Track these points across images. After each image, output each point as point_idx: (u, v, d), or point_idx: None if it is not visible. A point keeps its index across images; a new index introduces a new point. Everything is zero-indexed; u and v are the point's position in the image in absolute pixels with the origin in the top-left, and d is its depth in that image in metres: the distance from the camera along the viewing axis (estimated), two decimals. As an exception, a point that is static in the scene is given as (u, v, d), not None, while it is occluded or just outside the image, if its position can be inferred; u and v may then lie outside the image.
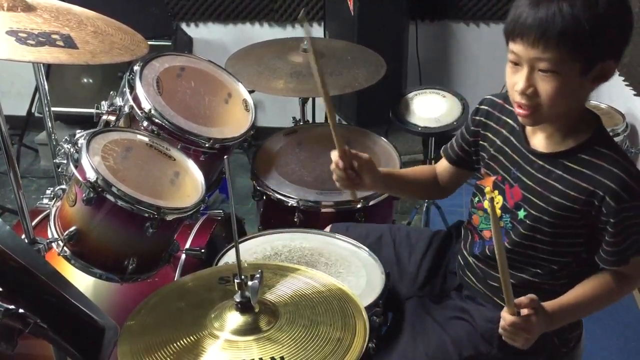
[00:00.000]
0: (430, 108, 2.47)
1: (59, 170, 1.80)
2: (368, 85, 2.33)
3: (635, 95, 2.72)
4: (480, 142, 1.57)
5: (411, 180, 1.73)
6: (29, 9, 1.36)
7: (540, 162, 1.42)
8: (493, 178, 1.52)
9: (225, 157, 1.32)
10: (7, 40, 1.25)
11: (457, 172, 1.69)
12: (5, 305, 0.98)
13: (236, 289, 1.24)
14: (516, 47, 1.29)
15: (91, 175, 1.58)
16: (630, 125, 2.79)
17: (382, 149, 2.32)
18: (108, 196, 1.59)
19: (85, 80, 3.61)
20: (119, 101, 1.95)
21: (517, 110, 1.36)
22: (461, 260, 1.64)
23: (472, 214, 1.60)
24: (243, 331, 1.22)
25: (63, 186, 1.77)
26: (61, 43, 1.26)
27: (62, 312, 1.07)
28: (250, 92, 2.14)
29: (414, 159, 3.06)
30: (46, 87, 1.95)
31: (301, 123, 2.54)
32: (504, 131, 1.51)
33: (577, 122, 1.39)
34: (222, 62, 2.24)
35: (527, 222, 1.44)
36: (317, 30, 3.64)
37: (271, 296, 1.34)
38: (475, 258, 1.59)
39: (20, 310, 0.98)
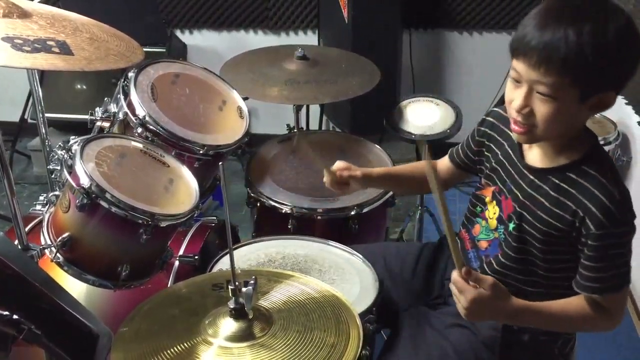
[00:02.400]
0: (424, 116, 2.48)
1: (53, 176, 1.80)
2: (362, 93, 2.34)
3: (627, 104, 2.74)
4: (485, 152, 1.59)
5: (408, 177, 1.79)
6: (25, 15, 1.36)
7: (532, 177, 1.42)
8: (492, 188, 1.54)
9: (220, 163, 1.32)
10: (3, 47, 1.25)
11: (460, 174, 1.73)
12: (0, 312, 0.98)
13: (230, 295, 1.24)
14: (518, 66, 1.28)
15: (85, 182, 1.58)
16: (622, 134, 2.81)
17: (376, 156, 2.33)
18: (102, 202, 1.59)
19: (78, 86, 3.60)
20: (113, 107, 1.95)
21: (512, 127, 1.37)
22: None
23: (475, 224, 1.60)
24: (237, 338, 1.23)
25: (56, 192, 1.76)
26: (57, 49, 1.26)
27: (56, 319, 1.07)
28: (244, 99, 2.15)
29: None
30: (40, 93, 1.94)
31: (295, 130, 2.54)
32: (505, 144, 1.52)
33: (572, 140, 1.38)
34: (216, 69, 2.24)
35: (516, 234, 1.44)
36: (312, 38, 3.65)
37: (265, 303, 1.34)
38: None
39: (15, 317, 0.97)
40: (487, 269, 1.53)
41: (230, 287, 1.23)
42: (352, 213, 2.05)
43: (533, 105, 1.29)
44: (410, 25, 3.55)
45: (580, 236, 1.35)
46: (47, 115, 2.06)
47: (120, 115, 1.90)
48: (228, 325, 1.24)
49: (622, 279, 1.35)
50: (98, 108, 1.97)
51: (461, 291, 1.33)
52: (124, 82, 1.94)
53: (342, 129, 3.46)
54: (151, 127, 1.86)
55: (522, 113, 1.31)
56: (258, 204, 2.15)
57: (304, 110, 2.68)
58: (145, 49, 1.79)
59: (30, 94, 3.51)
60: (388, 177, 1.81)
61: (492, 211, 1.52)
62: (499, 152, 1.53)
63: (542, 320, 1.42)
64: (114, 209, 1.59)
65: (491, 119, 1.57)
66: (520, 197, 1.44)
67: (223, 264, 1.76)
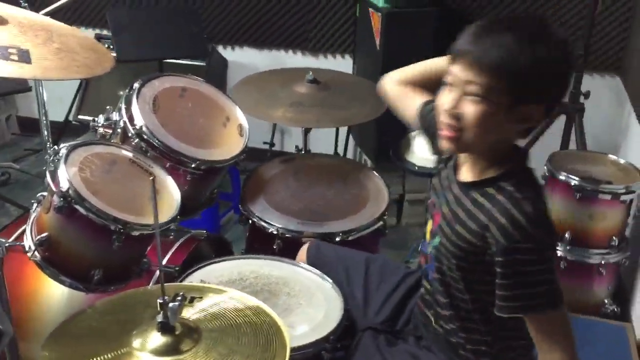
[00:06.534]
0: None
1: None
2: (366, 120, 2.35)
3: (657, 152, 2.62)
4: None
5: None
6: (1, 22, 1.43)
7: (456, 191, 1.42)
8: (432, 200, 1.54)
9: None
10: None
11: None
12: None
13: (159, 309, 1.26)
14: (455, 68, 1.31)
15: (64, 185, 1.64)
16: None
17: (374, 184, 2.31)
18: (77, 207, 1.64)
19: (121, 92, 3.72)
20: (115, 116, 2.01)
21: (441, 133, 1.35)
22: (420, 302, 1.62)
23: (425, 233, 1.58)
24: (161, 352, 1.23)
25: (44, 193, 1.83)
26: (15, 57, 1.32)
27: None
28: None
29: (417, 197, 3.01)
30: (45, 95, 2.03)
31: (302, 152, 2.55)
32: (452, 161, 1.52)
33: (501, 157, 1.37)
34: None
35: (440, 249, 1.43)
36: (348, 62, 3.66)
37: (203, 320, 1.34)
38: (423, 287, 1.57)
39: None
40: (434, 284, 1.51)
41: (159, 300, 1.25)
42: (337, 239, 2.04)
43: (463, 108, 1.29)
44: (442, 54, 3.49)
45: (491, 251, 1.31)
46: (88, 117, 2.11)
47: (121, 124, 1.96)
48: (155, 338, 1.25)
49: (543, 298, 1.29)
50: (101, 115, 2.04)
51: None
52: (128, 92, 2.01)
53: (367, 155, 3.44)
54: (146, 137, 1.91)
55: (451, 113, 1.30)
56: (249, 222, 2.17)
57: (322, 132, 2.69)
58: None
59: (76, 95, 3.69)
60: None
61: (429, 224, 1.52)
62: (444, 166, 1.53)
63: None
64: (88, 214, 1.64)
65: None
66: (445, 211, 1.43)
67: (204, 275, 1.79)
